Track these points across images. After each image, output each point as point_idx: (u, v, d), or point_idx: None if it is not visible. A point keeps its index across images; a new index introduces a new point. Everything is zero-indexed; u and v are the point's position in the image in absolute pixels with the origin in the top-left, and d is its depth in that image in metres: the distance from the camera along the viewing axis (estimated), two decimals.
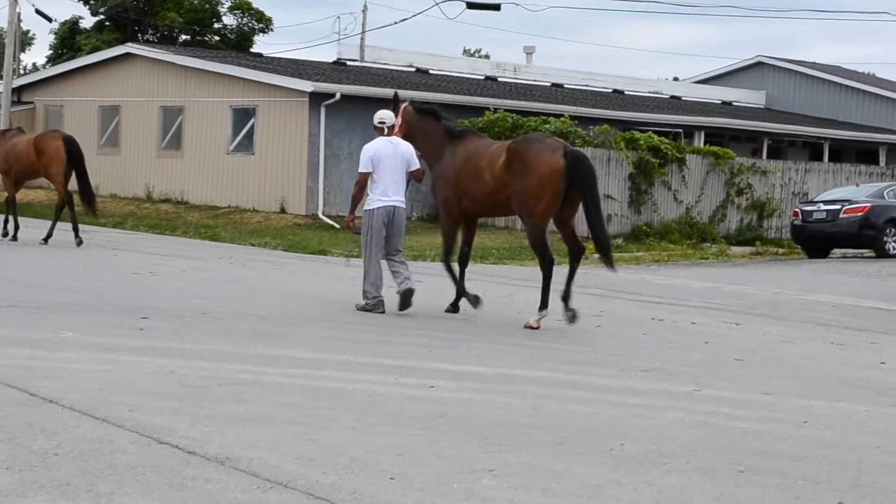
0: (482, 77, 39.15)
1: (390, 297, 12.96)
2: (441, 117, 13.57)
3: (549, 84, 39.93)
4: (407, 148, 13.01)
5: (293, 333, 10.67)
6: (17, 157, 20.19)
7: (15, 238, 20.21)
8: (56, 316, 10.83)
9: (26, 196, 32.98)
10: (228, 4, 52.28)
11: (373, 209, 12.76)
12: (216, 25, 52.36)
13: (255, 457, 6.08)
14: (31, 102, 37.41)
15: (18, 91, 37.41)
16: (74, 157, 19.91)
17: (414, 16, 32.08)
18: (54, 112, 36.61)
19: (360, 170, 12.85)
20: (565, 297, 12.56)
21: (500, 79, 39.25)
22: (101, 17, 51.20)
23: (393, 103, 13.78)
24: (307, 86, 28.13)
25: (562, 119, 27.87)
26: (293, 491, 5.55)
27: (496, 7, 31.21)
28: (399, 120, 13.40)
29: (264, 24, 52.86)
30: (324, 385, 8.19)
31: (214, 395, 7.64)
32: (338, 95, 28.05)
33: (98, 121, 34.92)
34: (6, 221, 20.67)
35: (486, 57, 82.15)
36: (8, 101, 35.51)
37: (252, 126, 29.79)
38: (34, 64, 77.87)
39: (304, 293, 14.40)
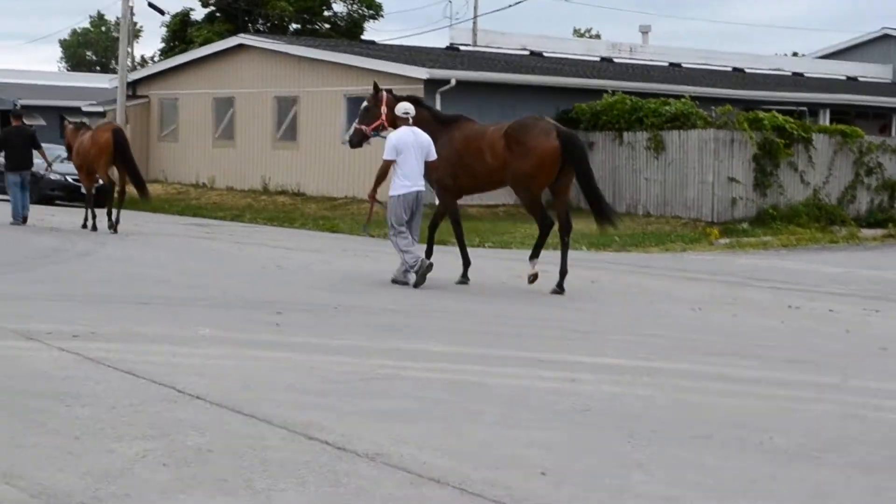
0: (597, 58, 38.67)
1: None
2: (425, 105, 14.77)
3: (666, 64, 39.30)
4: (426, 138, 13.90)
5: (427, 326, 10.68)
6: (85, 151, 21.25)
7: (94, 228, 21.05)
8: (190, 312, 10.97)
9: (133, 191, 33.55)
10: None
11: (399, 194, 13.67)
12: (326, 13, 52.50)
13: (404, 452, 6.07)
14: (146, 96, 37.70)
15: (133, 85, 37.58)
16: (120, 148, 20.81)
17: None
18: (169, 105, 36.85)
19: (386, 157, 13.72)
20: (563, 272, 13.79)
21: (615, 60, 38.76)
22: (212, 8, 51.64)
23: (374, 92, 14.77)
24: (422, 73, 28.02)
25: (682, 100, 27.43)
26: (446, 486, 5.53)
27: None
28: (385, 108, 14.48)
29: (374, 10, 52.91)
30: (465, 379, 8.16)
31: (357, 390, 7.65)
32: (453, 82, 27.92)
33: (213, 113, 34.98)
34: (91, 216, 21.47)
35: (598, 36, 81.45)
36: (123, 96, 35.68)
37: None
38: (142, 56, 79.13)
39: (430, 285, 14.36)
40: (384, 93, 14.77)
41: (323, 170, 30.85)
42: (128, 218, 24.99)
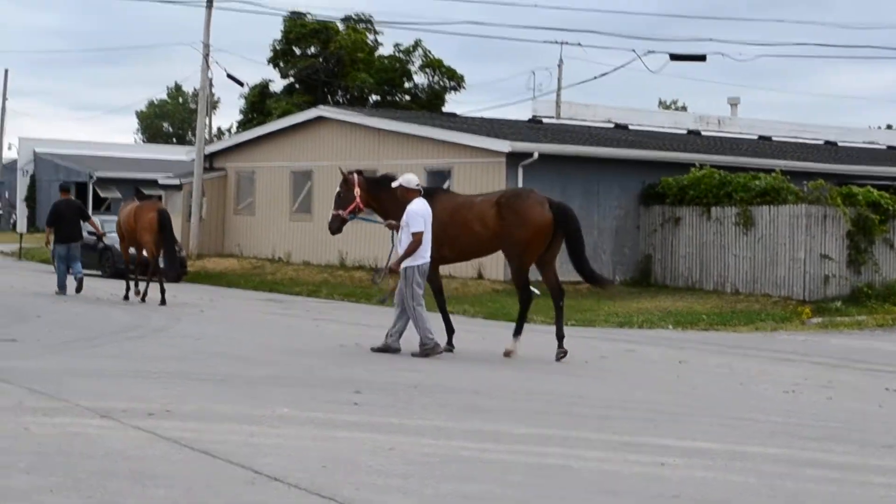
0: (684, 131, 38.36)
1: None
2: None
3: (755, 137, 38.83)
4: (430, 209, 14.25)
5: (509, 407, 10.41)
6: (129, 227, 22.40)
7: (138, 298, 21.94)
8: (268, 390, 10.81)
9: (218, 265, 33.70)
10: (419, 63, 52.57)
11: (417, 265, 13.93)
12: (407, 85, 52.68)
13: None
14: (223, 169, 37.38)
15: (210, 157, 37.23)
16: (164, 227, 21.80)
17: (614, 70, 31.77)
18: (246, 178, 36.50)
19: (418, 229, 13.88)
20: (559, 336, 14.36)
21: (703, 132, 38.36)
22: (291, 80, 52.03)
23: (344, 178, 15.10)
24: (504, 146, 27.74)
25: (772, 174, 26.94)
26: None
27: (701, 58, 30.43)
28: (358, 190, 14.87)
29: (456, 81, 52.96)
30: (549, 462, 7.89)
31: (438, 473, 7.42)
32: (536, 155, 27.60)
33: (290, 186, 34.52)
34: (134, 283, 22.43)
35: (684, 108, 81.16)
36: (200, 168, 35.52)
37: (448, 188, 29.41)
38: (219, 128, 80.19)
39: (512, 364, 14.15)
40: (354, 175, 15.13)
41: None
42: (202, 293, 25.20)
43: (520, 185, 27.37)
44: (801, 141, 39.32)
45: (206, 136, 38.99)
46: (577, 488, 7.15)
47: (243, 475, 7.14)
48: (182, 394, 10.31)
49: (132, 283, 22.35)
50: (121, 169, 56.26)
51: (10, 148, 68.32)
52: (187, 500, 6.50)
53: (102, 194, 55.27)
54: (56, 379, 10.82)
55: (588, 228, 28.38)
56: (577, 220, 14.95)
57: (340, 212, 15.16)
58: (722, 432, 9.51)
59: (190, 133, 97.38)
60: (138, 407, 9.35)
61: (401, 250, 14.09)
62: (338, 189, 15.19)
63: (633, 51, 32.76)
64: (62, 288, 22.68)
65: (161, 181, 41.11)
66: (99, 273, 29.68)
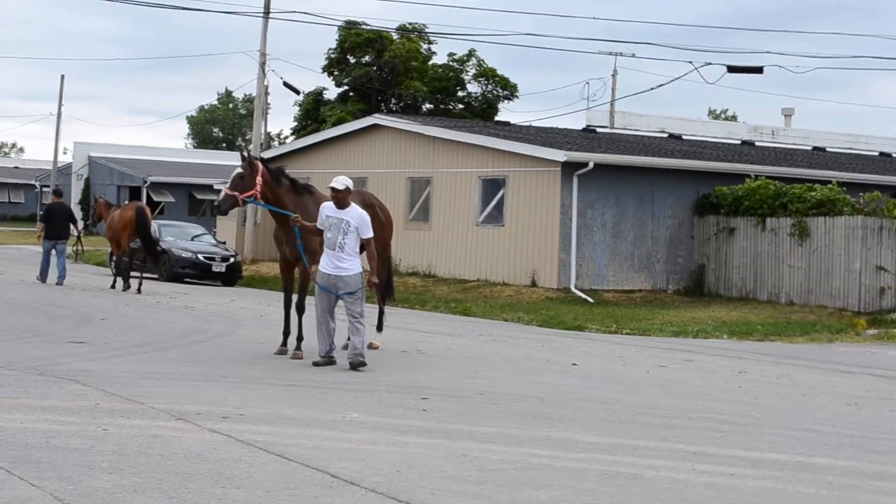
0: (738, 141, 38.31)
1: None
2: (285, 174, 14.54)
3: (809, 148, 38.70)
4: None
5: (576, 416, 10.49)
6: (114, 225, 25.76)
7: (125, 288, 24.98)
8: (337, 395, 10.96)
9: (272, 269, 33.90)
10: (473, 72, 52.76)
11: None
12: (460, 94, 52.89)
13: None
14: None
15: (265, 163, 37.78)
16: (141, 223, 24.88)
17: (671, 81, 31.69)
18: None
19: (372, 236, 13.55)
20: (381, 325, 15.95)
21: (757, 143, 38.30)
22: (346, 87, 52.45)
23: (249, 162, 14.21)
24: (560, 155, 27.73)
25: (828, 186, 26.85)
26: None
27: (759, 70, 30.35)
28: (260, 179, 14.05)
29: (509, 90, 53.10)
30: (619, 471, 7.97)
31: (511, 479, 7.53)
32: (591, 164, 27.64)
33: None
34: (120, 277, 25.70)
35: (734, 117, 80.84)
36: None
37: (502, 197, 29.47)
38: (268, 133, 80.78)
39: (573, 372, 14.24)
40: (259, 163, 14.32)
41: (455, 251, 30.60)
42: (259, 297, 25.51)
43: (575, 194, 27.49)
44: (855, 152, 39.11)
45: (261, 143, 39.38)
46: (649, 497, 7.24)
47: (320, 478, 7.27)
48: (253, 398, 10.48)
49: (120, 277, 25.58)
50: (174, 173, 56.81)
51: (65, 152, 69.31)
52: (267, 501, 6.64)
53: (156, 199, 55.88)
54: (129, 381, 11.03)
55: (642, 237, 28.50)
56: None
57: (237, 194, 13.99)
58: (789, 443, 9.55)
59: (239, 138, 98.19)
60: (212, 410, 9.53)
61: (350, 255, 13.40)
62: (240, 170, 14.24)
63: (691, 62, 32.65)
64: (43, 276, 25.42)
65: (216, 186, 41.46)
66: (156, 276, 30.05)
